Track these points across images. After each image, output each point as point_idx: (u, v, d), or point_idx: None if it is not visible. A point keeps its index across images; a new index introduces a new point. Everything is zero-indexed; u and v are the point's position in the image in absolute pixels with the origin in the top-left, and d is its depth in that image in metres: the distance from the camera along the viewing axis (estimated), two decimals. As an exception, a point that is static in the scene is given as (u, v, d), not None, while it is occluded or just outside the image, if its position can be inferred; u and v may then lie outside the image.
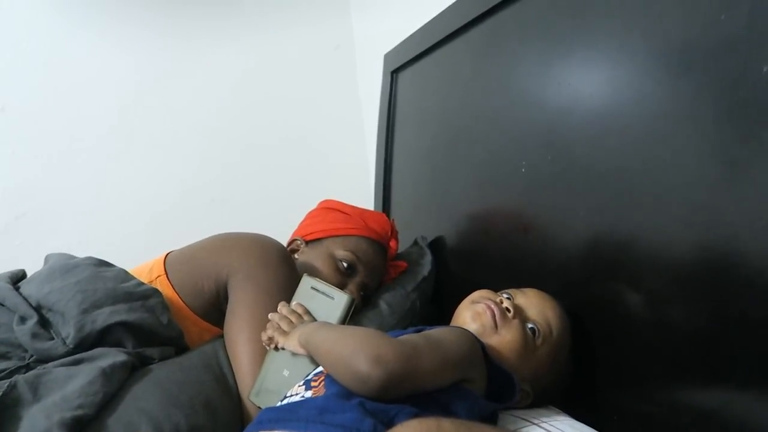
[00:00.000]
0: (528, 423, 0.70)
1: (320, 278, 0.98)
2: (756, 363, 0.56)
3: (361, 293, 1.07)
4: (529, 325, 0.74)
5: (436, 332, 0.68)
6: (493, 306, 0.74)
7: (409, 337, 0.64)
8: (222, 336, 0.92)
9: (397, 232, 1.18)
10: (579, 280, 0.82)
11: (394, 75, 1.57)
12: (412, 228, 1.34)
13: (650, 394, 0.69)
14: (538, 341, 0.74)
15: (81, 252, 0.99)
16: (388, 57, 1.61)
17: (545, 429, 0.68)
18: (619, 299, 0.74)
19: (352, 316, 0.89)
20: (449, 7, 1.23)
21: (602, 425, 0.71)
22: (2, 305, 0.86)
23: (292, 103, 1.93)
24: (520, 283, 0.83)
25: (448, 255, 1.22)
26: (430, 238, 1.27)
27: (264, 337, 0.84)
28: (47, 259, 0.99)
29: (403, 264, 1.17)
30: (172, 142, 1.79)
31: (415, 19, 1.39)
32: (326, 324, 0.80)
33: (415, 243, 1.27)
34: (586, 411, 0.75)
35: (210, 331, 0.95)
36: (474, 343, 0.68)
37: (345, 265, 1.06)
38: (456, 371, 0.63)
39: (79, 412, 0.68)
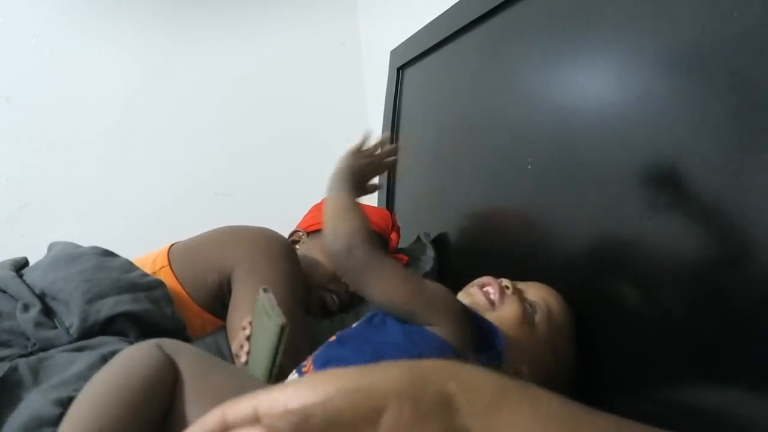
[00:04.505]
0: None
1: (320, 267, 0.98)
2: (760, 362, 0.55)
3: None
4: (528, 301, 0.75)
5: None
6: (489, 284, 0.75)
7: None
8: (224, 328, 0.92)
9: (398, 227, 1.18)
10: (584, 278, 0.82)
11: (401, 71, 1.56)
12: (416, 225, 1.33)
13: (654, 392, 0.69)
14: (537, 317, 0.74)
15: (84, 243, 0.99)
16: (394, 53, 1.61)
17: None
18: (624, 297, 0.74)
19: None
20: (457, 3, 1.22)
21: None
22: (5, 292, 0.86)
23: (298, 98, 1.93)
24: (524, 281, 0.83)
25: (452, 252, 1.21)
26: (433, 235, 1.27)
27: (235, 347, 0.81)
28: (51, 247, 0.98)
29: (404, 258, 1.17)
30: (177, 136, 1.79)
31: (422, 16, 1.39)
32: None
33: (418, 239, 1.27)
34: (590, 407, 0.75)
35: (212, 323, 0.95)
36: (449, 294, 0.69)
37: None
38: (413, 302, 0.66)
39: (76, 394, 0.68)
